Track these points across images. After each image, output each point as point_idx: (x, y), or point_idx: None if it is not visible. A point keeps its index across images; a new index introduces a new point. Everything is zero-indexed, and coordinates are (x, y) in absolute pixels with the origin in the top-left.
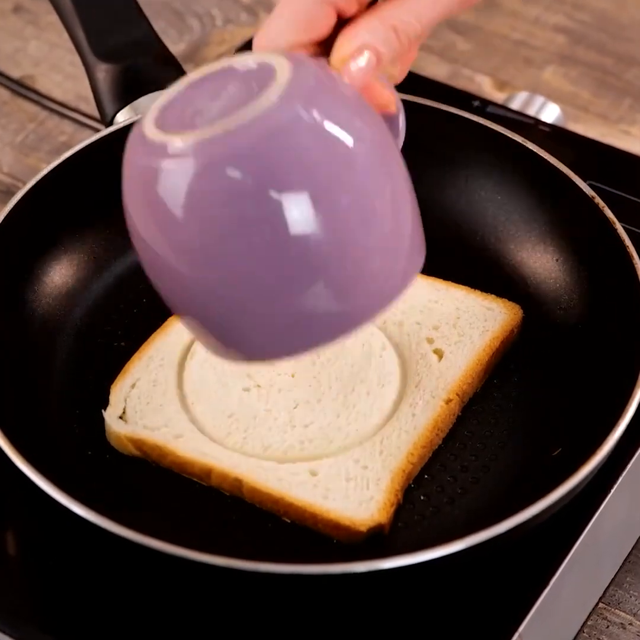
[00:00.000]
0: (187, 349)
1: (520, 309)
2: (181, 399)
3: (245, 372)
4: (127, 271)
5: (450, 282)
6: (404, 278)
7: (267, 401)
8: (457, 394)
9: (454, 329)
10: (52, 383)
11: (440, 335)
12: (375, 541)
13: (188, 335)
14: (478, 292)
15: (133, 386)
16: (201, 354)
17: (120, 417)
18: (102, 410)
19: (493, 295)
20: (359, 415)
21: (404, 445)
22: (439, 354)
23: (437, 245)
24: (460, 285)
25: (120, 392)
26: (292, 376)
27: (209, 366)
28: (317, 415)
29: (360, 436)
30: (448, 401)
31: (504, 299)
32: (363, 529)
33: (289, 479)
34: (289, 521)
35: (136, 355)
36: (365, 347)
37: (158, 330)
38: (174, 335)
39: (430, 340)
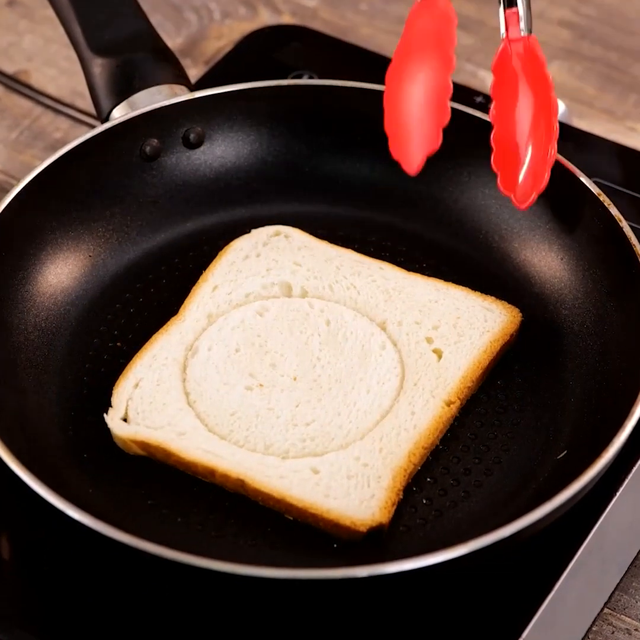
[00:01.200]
0: (190, 348)
1: (520, 312)
2: (185, 398)
3: (248, 372)
4: (123, 270)
5: (450, 282)
6: None
7: (269, 400)
8: (459, 398)
9: (453, 329)
10: (46, 384)
11: (439, 335)
12: (378, 545)
13: (190, 334)
14: (478, 293)
15: (136, 386)
16: (203, 352)
17: (124, 419)
18: (104, 414)
19: (493, 297)
20: (360, 413)
21: (404, 443)
22: (438, 353)
23: (440, 243)
24: (460, 286)
25: (123, 392)
26: (294, 379)
27: (211, 365)
28: (318, 414)
29: (360, 433)
30: (449, 403)
31: (504, 301)
32: (363, 529)
33: (291, 476)
34: (291, 518)
35: (138, 354)
36: (365, 347)
37: (160, 330)
38: (177, 334)
39: (429, 340)
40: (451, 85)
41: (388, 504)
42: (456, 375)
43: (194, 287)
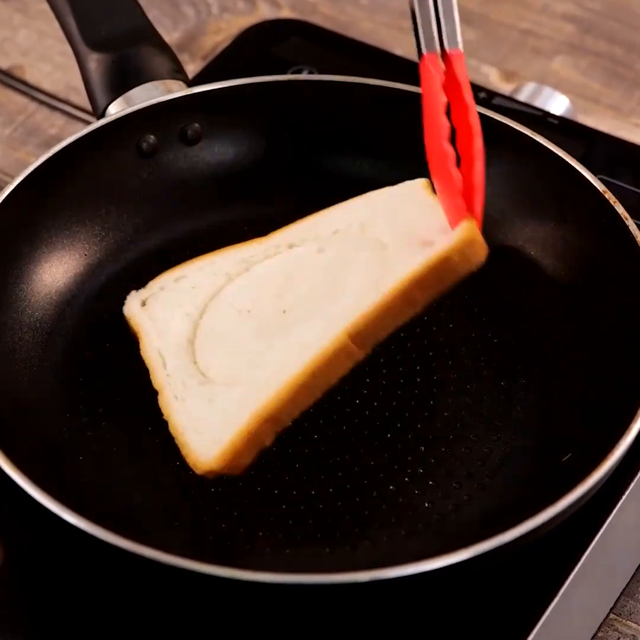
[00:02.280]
0: (247, 270)
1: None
2: (196, 311)
3: (255, 299)
4: (120, 270)
5: None
6: None
7: (237, 326)
8: (350, 335)
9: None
10: (40, 386)
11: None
12: (378, 549)
13: (258, 256)
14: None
15: (176, 280)
16: (243, 278)
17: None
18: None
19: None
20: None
21: (274, 384)
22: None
23: None
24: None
25: (162, 281)
26: (284, 312)
27: (237, 290)
28: (257, 345)
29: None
30: (351, 336)
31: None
32: (198, 472)
33: (188, 401)
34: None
35: (201, 257)
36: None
37: (238, 245)
38: (246, 252)
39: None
40: (451, 153)
41: (230, 450)
42: (356, 311)
43: (308, 216)
